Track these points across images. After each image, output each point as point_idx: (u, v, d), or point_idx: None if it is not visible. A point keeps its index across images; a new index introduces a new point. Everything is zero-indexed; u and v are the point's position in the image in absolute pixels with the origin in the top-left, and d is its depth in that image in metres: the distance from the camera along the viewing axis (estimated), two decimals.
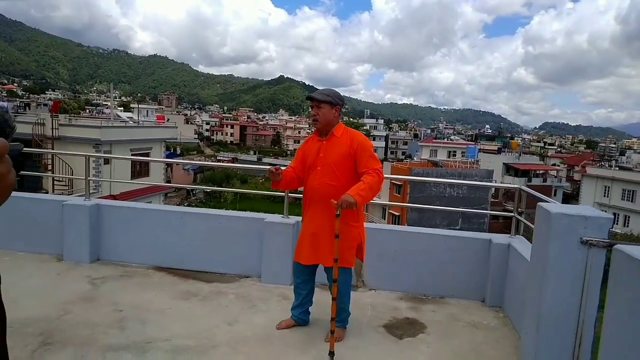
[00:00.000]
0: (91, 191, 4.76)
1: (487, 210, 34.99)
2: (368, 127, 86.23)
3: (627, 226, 41.55)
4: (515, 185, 4.24)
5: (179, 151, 67.49)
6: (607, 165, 54.50)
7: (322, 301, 3.57)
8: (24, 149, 1.22)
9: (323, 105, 3.18)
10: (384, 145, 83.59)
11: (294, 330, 3.43)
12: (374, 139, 79.74)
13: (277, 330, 3.40)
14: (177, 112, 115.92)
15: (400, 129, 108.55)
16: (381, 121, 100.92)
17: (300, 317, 3.48)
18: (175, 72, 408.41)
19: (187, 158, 73.50)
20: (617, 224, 41.32)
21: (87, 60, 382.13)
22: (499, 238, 4.16)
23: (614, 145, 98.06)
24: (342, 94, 3.31)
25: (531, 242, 4.15)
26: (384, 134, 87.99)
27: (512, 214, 4.28)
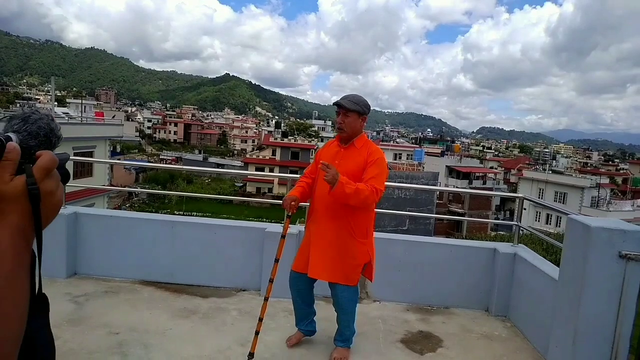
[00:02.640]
0: None
1: (433, 212, 36.09)
2: (317, 128, 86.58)
3: (559, 226, 44.32)
4: (519, 195, 4.27)
5: (118, 149, 64.54)
6: (541, 169, 57.87)
7: (329, 317, 3.37)
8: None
9: (350, 114, 2.99)
10: None
11: (311, 348, 3.24)
12: (322, 140, 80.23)
13: (296, 350, 3.19)
14: (116, 108, 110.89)
15: None
16: (329, 122, 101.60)
17: (308, 329, 3.34)
18: (114, 67, 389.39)
19: (129, 157, 70.58)
20: (550, 224, 44.01)
21: (16, 50, 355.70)
22: (504, 247, 4.17)
23: (547, 150, 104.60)
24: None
25: (531, 249, 4.22)
26: (332, 135, 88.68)
27: (515, 222, 4.31)
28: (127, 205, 46.14)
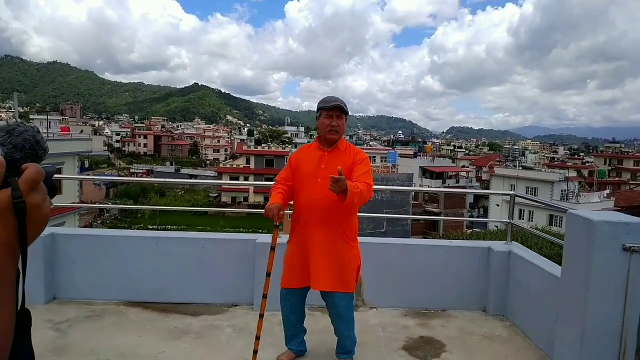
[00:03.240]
0: None
1: (409, 213, 36.38)
2: (290, 135, 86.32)
3: (532, 220, 45.40)
4: (510, 192, 4.25)
5: (87, 164, 62.88)
6: (511, 165, 59.21)
7: (328, 327, 3.25)
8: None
9: (343, 116, 2.96)
10: None
11: None
12: (295, 147, 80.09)
13: None
14: (82, 122, 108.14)
15: None
16: (302, 128, 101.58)
17: (299, 349, 3.21)
18: (79, 80, 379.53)
19: (98, 172, 68.88)
20: (522, 218, 45.02)
21: None
22: (499, 245, 4.14)
23: (516, 147, 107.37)
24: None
25: (524, 246, 4.20)
26: (306, 141, 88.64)
27: (508, 220, 4.29)
28: (98, 222, 44.87)
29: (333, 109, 2.92)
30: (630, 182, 64.71)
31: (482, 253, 4.12)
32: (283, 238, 4.01)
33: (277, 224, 2.93)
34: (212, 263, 4.04)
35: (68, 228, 5.08)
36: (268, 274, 2.92)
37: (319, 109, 3.00)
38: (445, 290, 4.13)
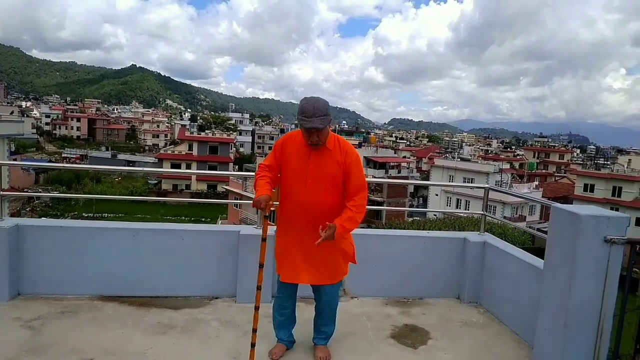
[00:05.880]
0: None
1: None
2: (234, 121, 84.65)
3: (468, 209, 47.69)
4: (485, 185, 4.44)
5: (13, 148, 58.58)
6: (450, 157, 61.64)
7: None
8: None
9: (322, 129, 2.78)
10: (250, 140, 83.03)
11: (309, 352, 3.12)
12: (240, 134, 78.86)
13: (294, 356, 3.06)
14: (7, 103, 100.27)
15: (265, 124, 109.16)
16: (247, 115, 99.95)
17: (289, 340, 3.22)
18: (2, 57, 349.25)
19: (26, 156, 64.44)
20: (459, 208, 47.20)
21: None
22: (473, 236, 4.32)
23: (456, 140, 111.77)
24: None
25: (495, 236, 4.42)
26: (250, 128, 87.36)
27: (482, 212, 4.48)
28: (27, 209, 42.03)
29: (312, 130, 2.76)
30: (556, 174, 69.64)
31: (457, 243, 4.29)
32: (272, 230, 3.97)
33: (267, 214, 2.88)
34: (192, 255, 3.92)
35: (34, 219, 4.73)
36: (261, 266, 2.88)
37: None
38: (423, 279, 4.27)
